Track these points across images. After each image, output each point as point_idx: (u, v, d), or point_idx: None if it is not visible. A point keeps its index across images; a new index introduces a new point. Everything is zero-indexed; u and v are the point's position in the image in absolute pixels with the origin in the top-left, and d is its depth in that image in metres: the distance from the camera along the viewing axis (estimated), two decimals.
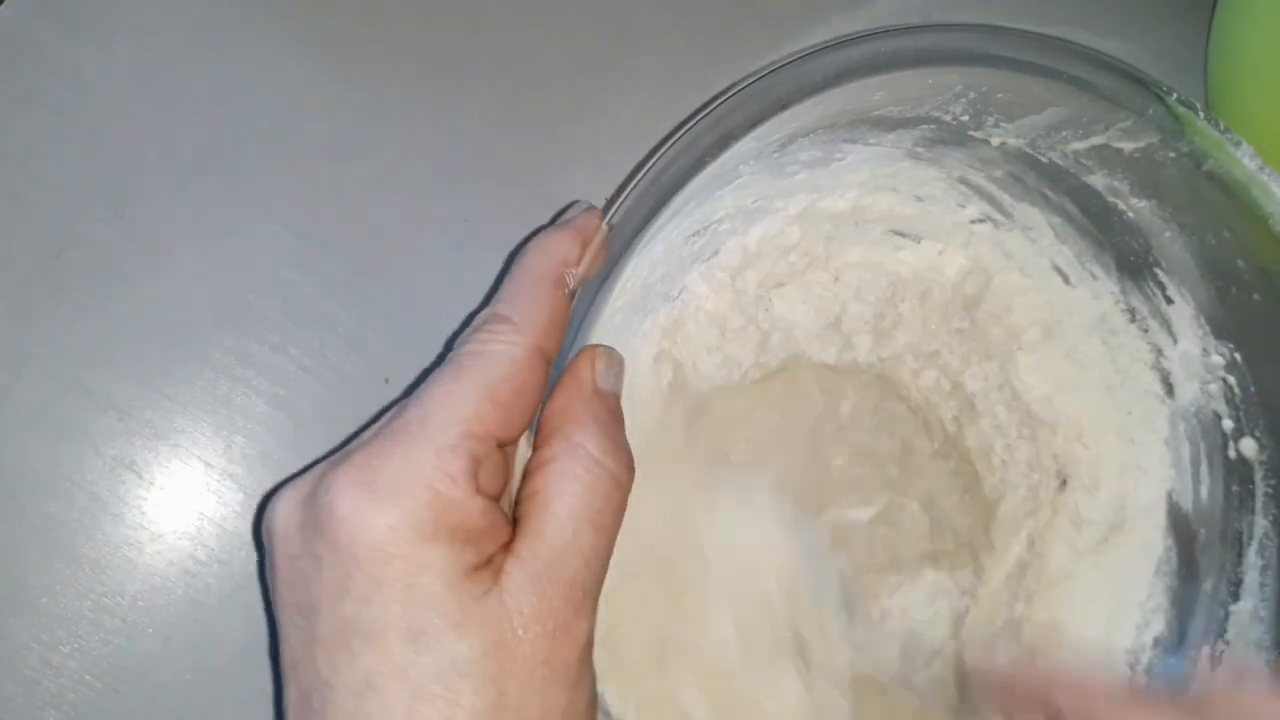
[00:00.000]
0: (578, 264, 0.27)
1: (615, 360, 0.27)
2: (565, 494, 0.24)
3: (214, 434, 0.34)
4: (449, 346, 0.27)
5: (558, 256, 0.27)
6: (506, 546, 0.24)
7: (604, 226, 0.27)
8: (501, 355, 0.25)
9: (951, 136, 0.35)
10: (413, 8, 0.38)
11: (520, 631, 0.23)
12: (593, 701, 0.25)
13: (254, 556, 0.34)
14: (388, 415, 0.25)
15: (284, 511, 0.24)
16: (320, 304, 0.35)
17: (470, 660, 0.22)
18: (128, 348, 0.34)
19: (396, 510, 0.22)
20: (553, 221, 0.30)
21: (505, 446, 0.25)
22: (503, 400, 0.24)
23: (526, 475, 0.26)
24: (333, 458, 0.25)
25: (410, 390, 0.32)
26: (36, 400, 0.33)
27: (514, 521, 0.25)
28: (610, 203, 0.28)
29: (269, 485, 0.34)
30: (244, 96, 0.36)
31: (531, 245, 0.27)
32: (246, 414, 0.35)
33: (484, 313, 0.27)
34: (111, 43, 0.35)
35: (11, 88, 0.34)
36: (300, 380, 0.35)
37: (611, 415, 0.26)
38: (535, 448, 0.26)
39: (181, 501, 0.34)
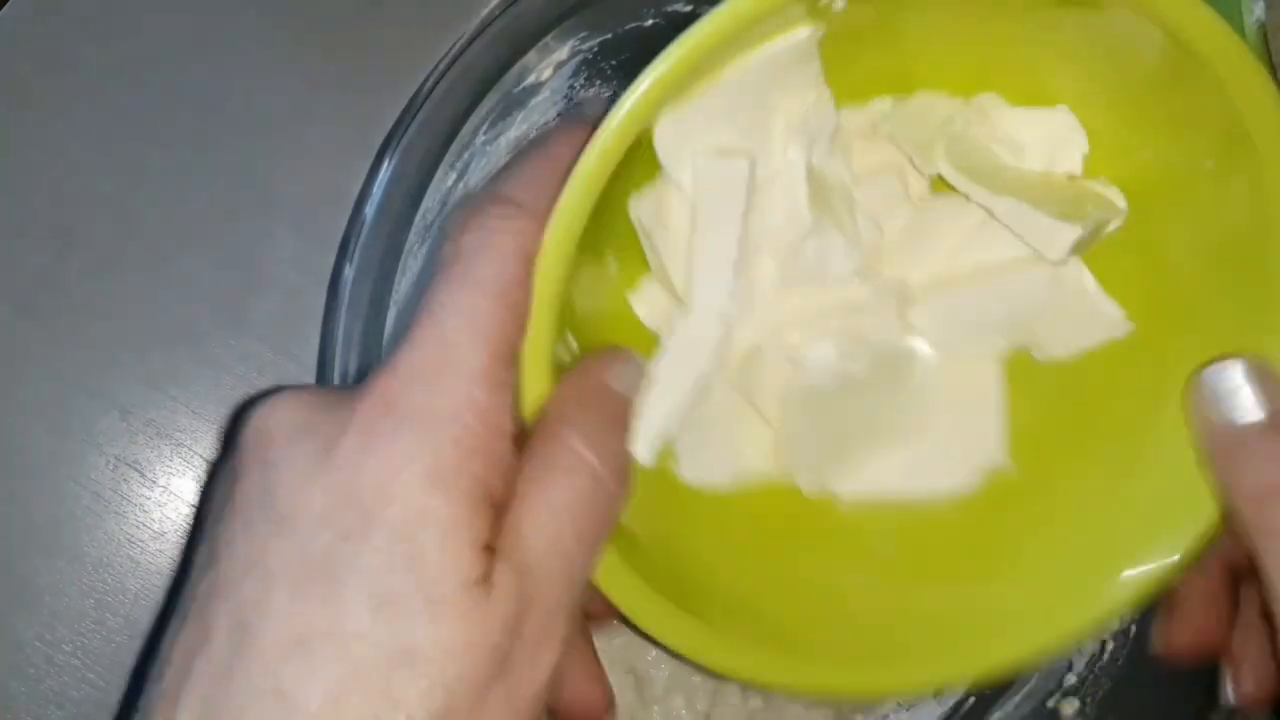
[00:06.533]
0: None
1: (635, 365, 0.25)
2: (550, 500, 0.21)
3: (217, 433, 0.34)
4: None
5: (577, 151, 0.22)
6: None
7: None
8: (512, 251, 0.21)
9: None
10: (412, 8, 0.38)
11: (499, 639, 0.19)
12: None
13: None
14: (403, 339, 0.21)
15: (285, 411, 0.20)
16: (321, 303, 0.35)
17: (431, 655, 0.18)
18: (130, 347, 0.34)
19: (419, 446, 0.19)
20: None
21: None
22: (521, 308, 0.21)
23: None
24: (349, 387, 0.22)
25: None
26: (39, 399, 0.33)
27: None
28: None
29: None
30: (244, 96, 0.36)
31: (557, 132, 0.23)
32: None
33: (480, 194, 0.22)
34: (111, 43, 0.35)
35: (12, 88, 0.35)
36: (302, 379, 0.35)
37: (616, 418, 0.23)
38: (530, 434, 0.22)
39: (184, 500, 0.34)
